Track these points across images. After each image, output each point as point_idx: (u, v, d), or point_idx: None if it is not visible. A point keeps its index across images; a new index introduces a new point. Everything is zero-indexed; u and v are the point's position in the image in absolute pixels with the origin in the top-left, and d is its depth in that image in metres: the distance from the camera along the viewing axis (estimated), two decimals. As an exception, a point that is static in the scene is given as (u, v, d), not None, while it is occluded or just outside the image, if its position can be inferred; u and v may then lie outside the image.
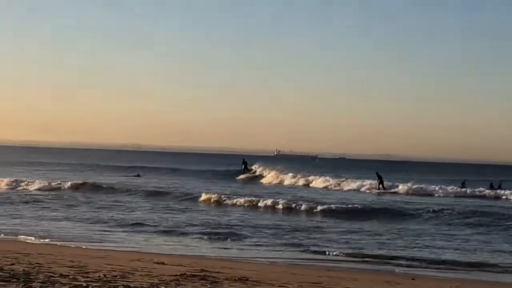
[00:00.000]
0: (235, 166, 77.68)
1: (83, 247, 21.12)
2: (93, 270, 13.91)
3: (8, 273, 12.41)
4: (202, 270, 15.25)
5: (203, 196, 42.38)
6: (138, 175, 71.09)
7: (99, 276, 13.01)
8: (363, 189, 58.27)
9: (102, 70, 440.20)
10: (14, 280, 11.45)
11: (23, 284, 10.98)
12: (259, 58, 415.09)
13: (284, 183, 64.19)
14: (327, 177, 64.60)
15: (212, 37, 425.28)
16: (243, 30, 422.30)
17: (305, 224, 31.47)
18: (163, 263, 16.60)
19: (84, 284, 11.60)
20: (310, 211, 37.58)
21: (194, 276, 14.17)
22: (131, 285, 12.06)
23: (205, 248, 23.18)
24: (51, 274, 12.81)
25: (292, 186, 61.42)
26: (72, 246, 21.04)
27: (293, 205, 38.93)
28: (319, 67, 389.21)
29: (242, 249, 23.47)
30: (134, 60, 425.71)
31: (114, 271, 14.11)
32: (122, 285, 11.90)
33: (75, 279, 12.31)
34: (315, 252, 23.01)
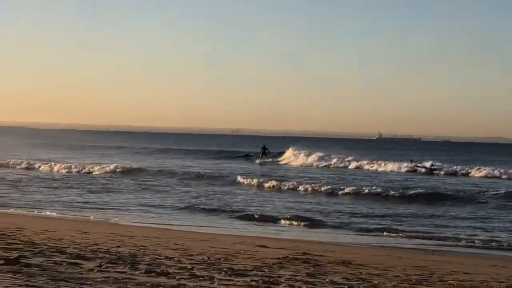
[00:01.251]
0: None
1: (187, 230, 21.36)
2: (197, 253, 14.06)
3: (115, 255, 12.65)
4: (305, 254, 15.21)
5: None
6: (247, 155, 74.58)
7: (203, 258, 13.13)
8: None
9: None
10: (121, 262, 11.64)
11: (129, 266, 11.15)
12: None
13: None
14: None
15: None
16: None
17: (388, 211, 30.62)
18: (265, 246, 16.64)
19: (189, 266, 11.72)
20: (382, 196, 36.70)
21: (296, 259, 14.15)
22: (235, 267, 12.11)
23: (305, 233, 23.12)
24: (156, 256, 13.00)
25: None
26: (175, 229, 21.30)
27: (366, 190, 37.92)
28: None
29: (338, 233, 23.28)
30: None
31: (218, 253, 14.22)
32: (226, 267, 11.96)
33: (179, 261, 12.44)
34: (423, 237, 22.66)
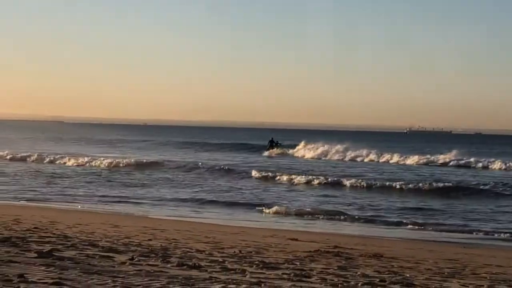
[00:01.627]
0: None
1: (217, 223, 21.39)
2: (228, 246, 14.08)
3: (147, 248, 12.71)
4: (336, 247, 15.19)
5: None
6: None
7: (234, 251, 13.15)
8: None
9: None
10: (153, 255, 11.70)
11: (161, 259, 11.20)
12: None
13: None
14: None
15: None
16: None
17: (419, 204, 30.34)
18: (296, 240, 16.63)
19: (221, 260, 11.74)
20: (412, 189, 36.35)
21: (328, 252, 14.13)
22: (266, 260, 12.11)
23: (335, 226, 23.05)
24: (187, 249, 13.04)
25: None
26: (205, 222, 21.35)
27: (394, 184, 37.48)
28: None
29: (369, 227, 23.16)
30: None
31: (249, 247, 14.24)
32: (257, 260, 11.97)
33: (211, 255, 12.48)
34: (454, 231, 22.50)
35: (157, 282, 8.83)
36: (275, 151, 72.21)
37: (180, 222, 20.91)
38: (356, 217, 25.16)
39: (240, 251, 13.23)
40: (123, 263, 10.46)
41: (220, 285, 8.97)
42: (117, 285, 8.31)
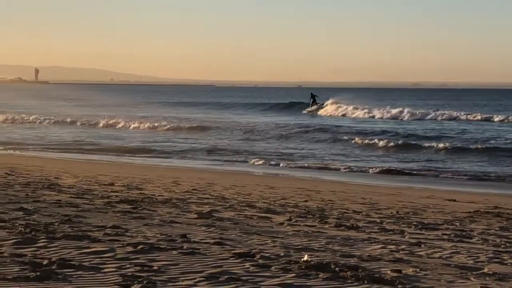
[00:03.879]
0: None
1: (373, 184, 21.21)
2: (385, 207, 13.95)
3: (304, 209, 12.76)
4: (496, 207, 14.78)
5: None
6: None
7: (391, 212, 13.01)
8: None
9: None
10: (310, 216, 11.73)
11: (319, 219, 11.21)
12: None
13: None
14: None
15: None
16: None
17: None
18: (454, 200, 16.27)
19: (378, 220, 11.64)
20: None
21: (488, 213, 13.76)
22: (425, 221, 11.93)
23: (493, 187, 22.35)
24: (344, 210, 13.01)
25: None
26: (361, 183, 21.19)
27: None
28: None
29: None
30: None
31: (406, 208, 14.06)
32: (416, 221, 11.80)
33: (368, 215, 12.39)
34: None
35: (316, 243, 8.84)
36: (316, 107, 71.58)
37: (334, 183, 20.87)
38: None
39: (397, 212, 13.08)
40: (281, 223, 10.54)
41: (379, 246, 8.88)
42: (276, 245, 8.37)
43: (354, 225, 10.76)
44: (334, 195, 16.25)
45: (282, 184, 18.81)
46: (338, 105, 69.09)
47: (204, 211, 11.24)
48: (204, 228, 9.52)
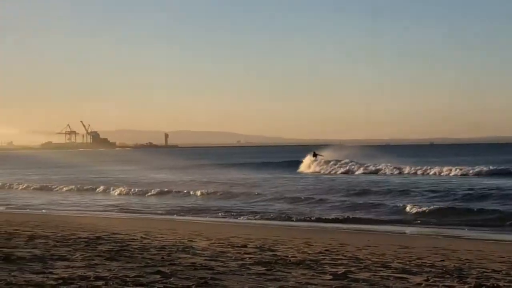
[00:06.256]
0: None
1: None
2: None
3: (441, 269, 12.42)
4: None
5: None
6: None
7: None
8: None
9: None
10: (448, 275, 11.41)
11: (457, 279, 10.89)
12: None
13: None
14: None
15: None
16: None
17: None
18: None
19: None
20: None
21: None
22: None
23: None
24: (483, 269, 12.59)
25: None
26: (498, 240, 20.51)
27: None
28: None
29: None
30: None
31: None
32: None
33: (508, 274, 11.96)
34: None
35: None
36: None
37: (470, 241, 20.28)
38: None
39: None
40: (419, 284, 10.28)
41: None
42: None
43: (495, 284, 10.40)
44: (470, 253, 15.78)
45: (415, 244, 18.41)
46: None
47: (339, 272, 11.11)
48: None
